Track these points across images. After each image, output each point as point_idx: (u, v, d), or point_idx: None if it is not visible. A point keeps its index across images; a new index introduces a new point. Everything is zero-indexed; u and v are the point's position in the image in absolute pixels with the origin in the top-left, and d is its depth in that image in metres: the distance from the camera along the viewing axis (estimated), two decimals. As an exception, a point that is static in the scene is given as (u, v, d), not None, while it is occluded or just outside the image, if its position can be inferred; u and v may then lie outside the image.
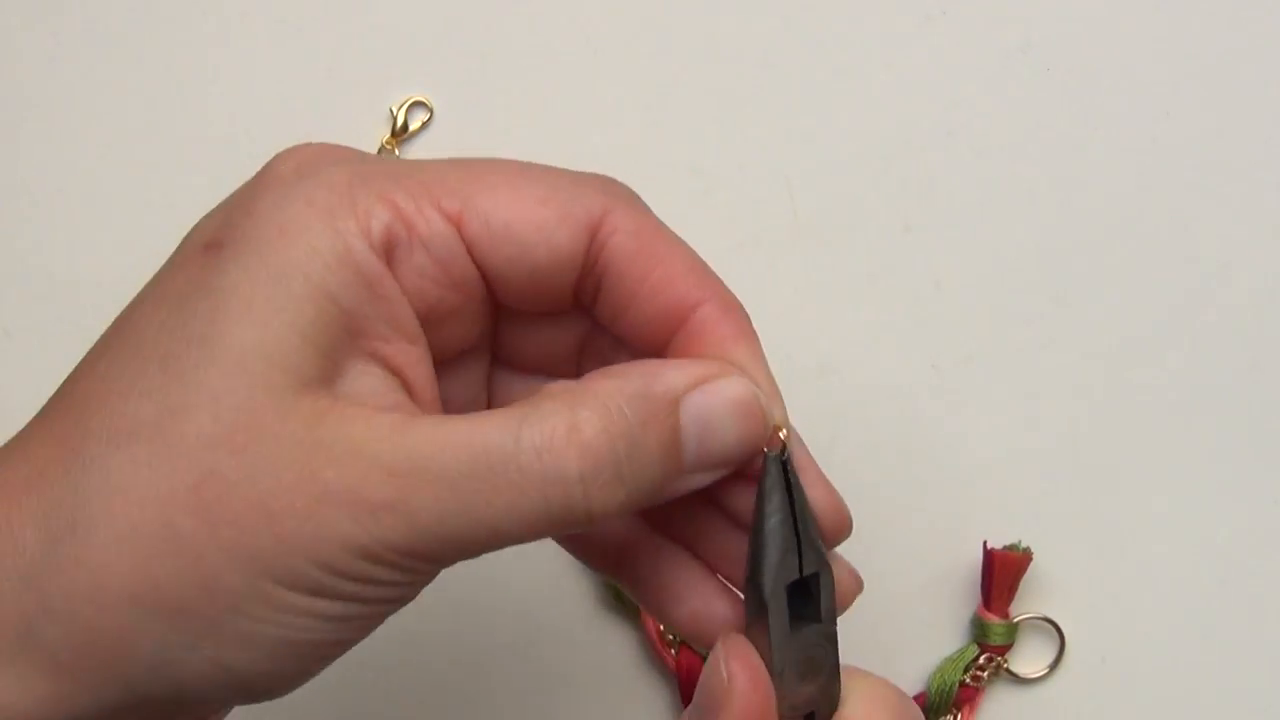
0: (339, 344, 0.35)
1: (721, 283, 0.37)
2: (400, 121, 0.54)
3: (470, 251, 0.36)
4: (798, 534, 0.36)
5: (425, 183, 0.36)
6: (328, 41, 0.55)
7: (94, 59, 0.55)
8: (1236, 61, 0.54)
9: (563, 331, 0.39)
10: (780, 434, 0.36)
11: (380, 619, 0.35)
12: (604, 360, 0.38)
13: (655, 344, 0.37)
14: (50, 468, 0.34)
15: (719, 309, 0.37)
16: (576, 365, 0.40)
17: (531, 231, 0.36)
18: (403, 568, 0.34)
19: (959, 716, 0.51)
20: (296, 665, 0.34)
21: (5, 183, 0.55)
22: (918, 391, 0.53)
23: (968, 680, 0.51)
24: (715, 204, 0.54)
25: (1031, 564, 0.52)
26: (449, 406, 0.38)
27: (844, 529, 0.38)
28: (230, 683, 0.34)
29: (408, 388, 0.36)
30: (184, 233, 0.56)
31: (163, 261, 0.55)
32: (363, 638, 0.35)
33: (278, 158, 0.37)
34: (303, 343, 0.34)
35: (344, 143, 0.54)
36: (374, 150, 0.54)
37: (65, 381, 0.37)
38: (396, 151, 0.54)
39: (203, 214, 0.56)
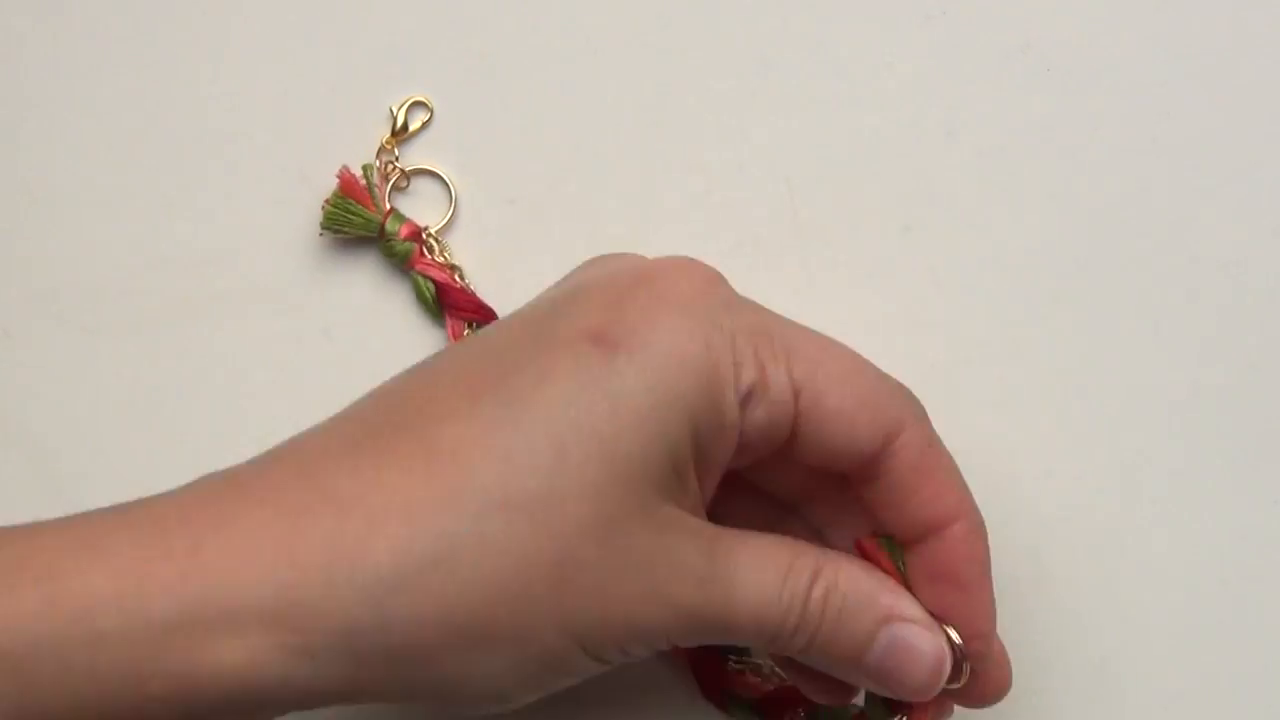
0: (686, 465, 0.40)
1: (975, 505, 0.44)
2: (400, 122, 0.54)
3: (797, 419, 0.42)
4: None
5: (787, 347, 0.42)
6: (328, 40, 0.55)
7: (94, 59, 0.55)
8: (1236, 61, 0.54)
9: (812, 482, 0.46)
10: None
11: None
12: (826, 500, 0.46)
13: (906, 538, 0.43)
14: (423, 507, 0.38)
15: (969, 531, 0.43)
16: (803, 503, 0.46)
17: (847, 424, 0.42)
18: (655, 647, 0.41)
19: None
20: (533, 696, 0.41)
21: (5, 183, 0.55)
22: (918, 391, 0.53)
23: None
24: (715, 204, 0.54)
25: (1032, 563, 0.52)
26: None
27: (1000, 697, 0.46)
28: (497, 707, 0.40)
29: (703, 504, 0.42)
30: (184, 233, 0.56)
31: (163, 262, 0.55)
32: None
33: (661, 270, 0.42)
34: (668, 457, 0.39)
35: (344, 143, 0.54)
36: (373, 151, 0.54)
37: (420, 399, 0.41)
38: (396, 152, 0.54)
39: (202, 214, 0.56)
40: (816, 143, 0.54)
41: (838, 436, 0.42)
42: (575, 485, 0.38)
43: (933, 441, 0.43)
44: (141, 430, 0.54)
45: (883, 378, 0.43)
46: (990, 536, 0.51)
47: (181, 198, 0.54)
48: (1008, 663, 0.45)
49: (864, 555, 0.44)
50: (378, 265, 0.54)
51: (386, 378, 0.43)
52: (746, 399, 0.41)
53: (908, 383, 0.52)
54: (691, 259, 0.44)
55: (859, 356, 0.43)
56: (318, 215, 0.54)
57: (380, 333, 0.54)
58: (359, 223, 0.53)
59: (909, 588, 0.43)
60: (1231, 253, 0.53)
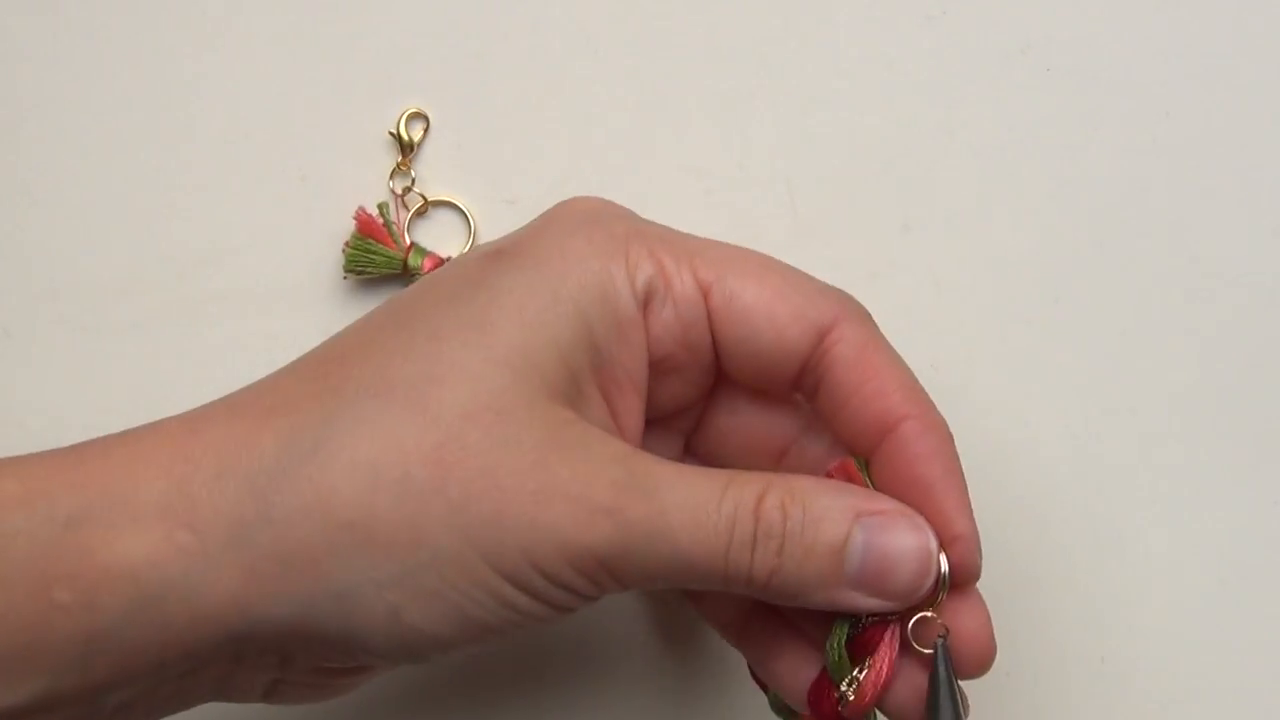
0: (584, 371, 0.38)
1: (930, 403, 0.41)
2: (406, 139, 0.54)
3: (710, 320, 0.40)
4: (955, 703, 0.41)
5: (689, 249, 0.40)
6: (327, 40, 0.55)
7: (94, 59, 0.55)
8: (1236, 61, 0.54)
9: (772, 427, 0.43)
10: (941, 630, 0.40)
11: (546, 624, 0.38)
12: (807, 469, 0.43)
13: (863, 448, 0.41)
14: (303, 400, 0.38)
15: (922, 427, 0.40)
16: (776, 465, 0.44)
17: (766, 320, 0.40)
18: (594, 578, 0.37)
19: (868, 665, 0.41)
20: (459, 638, 0.37)
21: (5, 183, 0.55)
22: (918, 391, 0.53)
23: (863, 626, 0.42)
24: (715, 204, 0.54)
25: (1032, 564, 0.52)
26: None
27: (985, 666, 0.42)
28: (397, 634, 0.37)
29: (620, 433, 0.40)
30: (184, 233, 0.56)
31: (163, 262, 0.55)
32: (518, 637, 0.38)
33: (565, 203, 0.42)
34: (558, 358, 0.38)
35: (344, 142, 0.54)
36: (387, 174, 0.54)
37: (325, 342, 0.41)
38: (412, 174, 0.54)
39: (203, 214, 0.56)
40: (816, 143, 0.54)
41: (762, 335, 0.40)
42: (451, 368, 0.37)
43: (873, 338, 0.41)
44: (141, 430, 0.54)
45: (809, 279, 0.42)
46: (990, 536, 0.51)
47: (181, 198, 0.54)
48: (985, 614, 0.42)
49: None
50: (378, 265, 0.54)
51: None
52: (647, 298, 0.39)
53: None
54: (604, 198, 0.43)
55: (779, 261, 0.42)
56: (317, 215, 0.54)
57: (380, 333, 0.54)
58: (381, 261, 0.53)
59: None
60: (1231, 252, 0.53)
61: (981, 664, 0.41)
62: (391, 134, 0.54)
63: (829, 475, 0.41)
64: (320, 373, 0.38)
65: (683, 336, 0.40)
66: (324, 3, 0.55)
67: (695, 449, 0.44)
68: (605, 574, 0.37)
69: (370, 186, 0.54)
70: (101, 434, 0.54)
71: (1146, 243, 0.53)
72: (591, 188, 0.54)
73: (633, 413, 0.40)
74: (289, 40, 0.55)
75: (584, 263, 0.39)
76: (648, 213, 0.55)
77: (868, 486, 0.41)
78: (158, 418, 0.54)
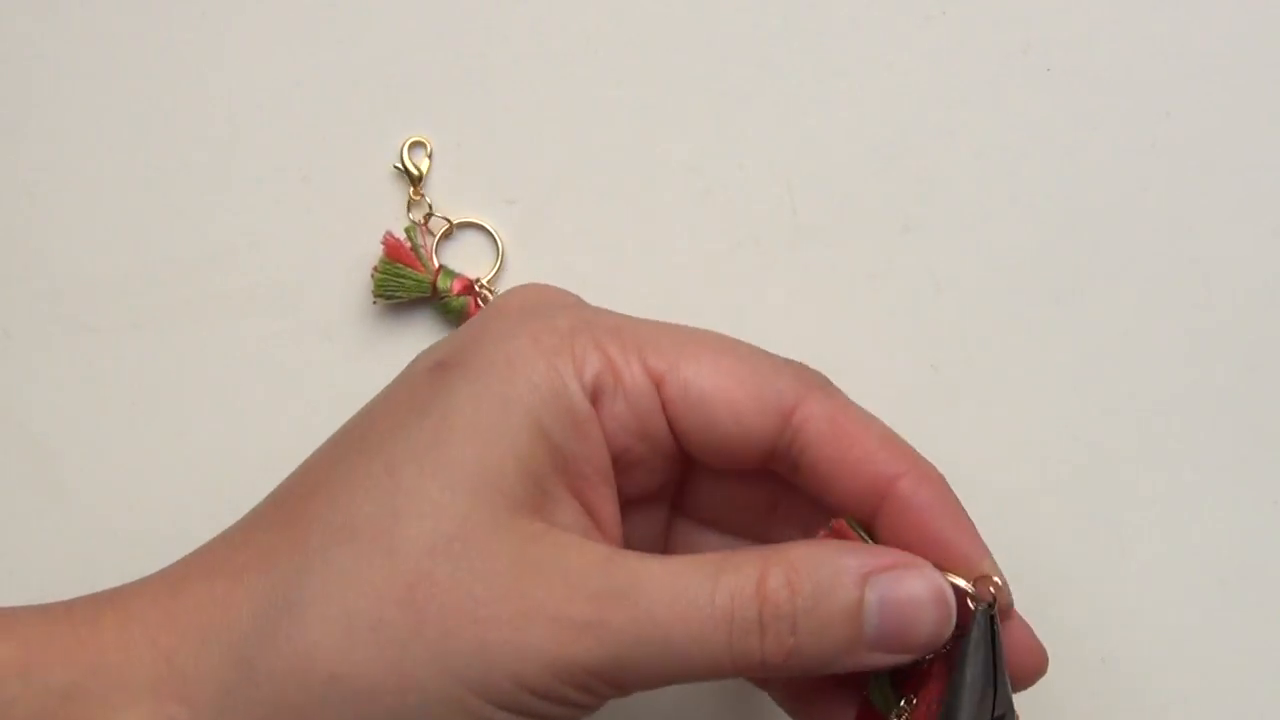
0: (547, 474, 0.37)
1: (916, 453, 0.40)
2: (414, 171, 0.53)
3: (665, 411, 0.39)
4: (995, 682, 0.38)
5: (638, 339, 0.39)
6: (327, 40, 0.55)
7: (94, 59, 0.55)
8: (1236, 61, 0.54)
9: (753, 491, 0.42)
10: (991, 589, 0.39)
11: None
12: (800, 523, 0.42)
13: (863, 514, 0.40)
14: (274, 554, 0.37)
15: (916, 480, 0.39)
16: (766, 526, 0.43)
17: (725, 408, 0.39)
18: (590, 689, 0.36)
19: (917, 700, 0.41)
20: None
21: (5, 183, 0.55)
22: (918, 391, 0.53)
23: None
24: (715, 204, 0.54)
25: (1032, 564, 0.51)
26: (630, 537, 0.41)
27: (1041, 673, 0.41)
28: None
29: (598, 526, 0.39)
30: (184, 233, 0.56)
31: (163, 262, 0.55)
32: None
33: (506, 295, 0.41)
34: (518, 468, 0.37)
35: (345, 142, 0.54)
36: (404, 203, 0.54)
37: (293, 475, 0.40)
38: (428, 201, 0.54)
39: (203, 214, 0.56)
40: (816, 143, 0.54)
41: (721, 423, 0.39)
42: (411, 501, 0.36)
43: (841, 406, 0.40)
44: (141, 430, 0.54)
45: (764, 356, 0.40)
46: (988, 536, 0.51)
47: (181, 198, 0.54)
48: (1027, 629, 0.42)
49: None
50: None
51: (386, 378, 0.43)
52: (596, 393, 0.38)
53: (908, 382, 0.52)
54: (546, 285, 0.42)
55: (732, 341, 0.41)
56: (317, 215, 0.54)
57: (380, 332, 0.54)
58: (410, 285, 0.53)
59: None
60: (1231, 253, 0.53)
61: (1038, 669, 0.41)
62: (398, 168, 0.54)
63: (824, 536, 0.40)
64: (287, 517, 0.38)
65: (639, 429, 0.39)
66: (325, 6, 0.55)
67: (684, 511, 0.43)
68: (602, 684, 0.37)
69: (368, 184, 0.54)
70: (102, 434, 0.54)
71: (1146, 243, 0.53)
72: (592, 188, 0.54)
73: (607, 502, 0.39)
74: (290, 41, 0.55)
75: (530, 365, 0.38)
76: (648, 212, 0.55)
77: (866, 542, 0.40)
78: (157, 418, 0.54)
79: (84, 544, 0.53)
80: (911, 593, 0.38)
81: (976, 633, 0.38)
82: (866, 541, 0.39)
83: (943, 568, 0.39)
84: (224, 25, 0.55)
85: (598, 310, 0.41)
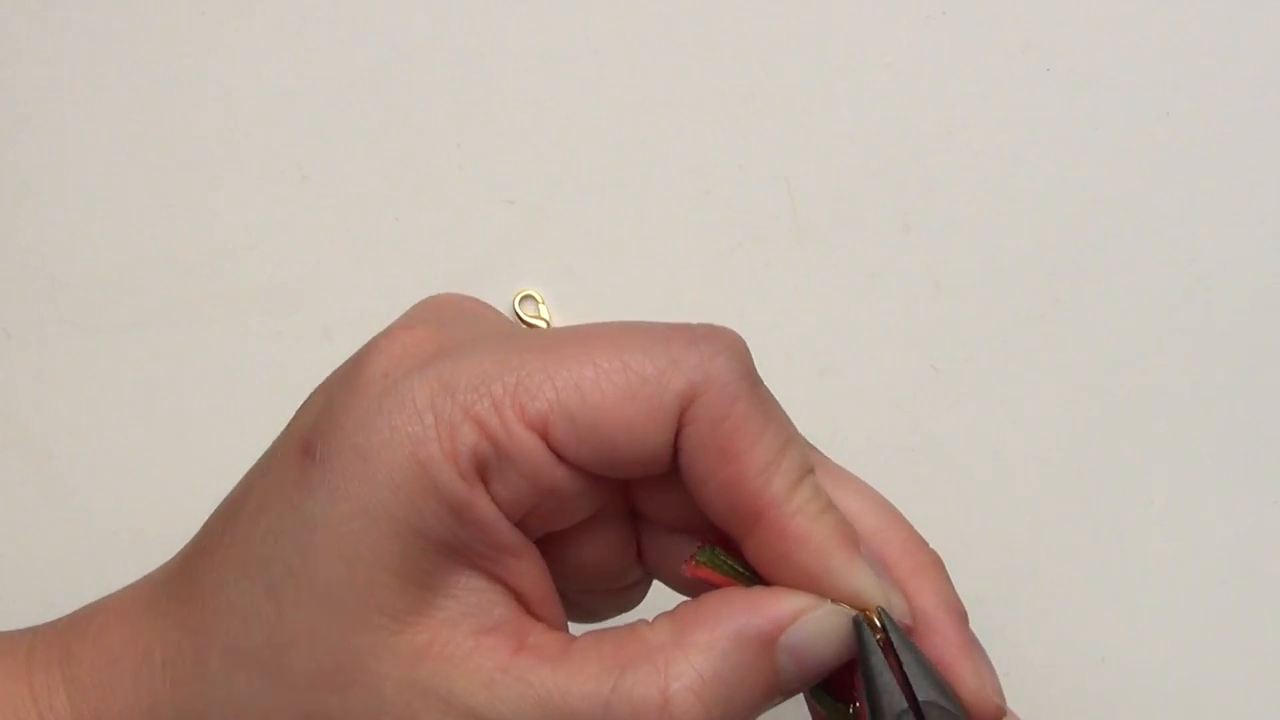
0: (434, 570, 0.35)
1: (800, 475, 0.36)
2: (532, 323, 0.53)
3: (561, 454, 0.36)
4: (911, 692, 0.36)
5: (512, 386, 0.35)
6: (327, 41, 0.55)
7: (94, 59, 0.55)
8: (1236, 61, 0.54)
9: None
10: (872, 613, 0.36)
11: None
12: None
13: (735, 533, 0.37)
14: (181, 666, 0.36)
15: (790, 513, 0.36)
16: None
17: (619, 430, 0.35)
18: None
19: (855, 700, 0.38)
20: None
21: (5, 183, 0.55)
22: (918, 391, 0.53)
23: None
24: (715, 204, 0.54)
25: (1032, 564, 0.52)
26: (599, 565, 0.39)
27: (986, 713, 0.37)
28: None
29: (517, 594, 0.36)
30: (184, 233, 0.56)
31: (163, 262, 0.55)
32: None
33: (370, 352, 0.37)
34: (394, 579, 0.35)
35: (345, 142, 0.54)
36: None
37: (188, 554, 0.38)
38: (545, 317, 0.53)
39: (203, 214, 0.56)
40: (816, 143, 0.54)
41: (622, 446, 0.36)
42: (292, 631, 0.35)
43: (731, 412, 0.36)
44: (141, 430, 0.54)
45: (661, 347, 0.36)
46: (989, 536, 0.51)
47: (181, 198, 0.54)
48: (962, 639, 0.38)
49: (703, 582, 0.37)
50: (378, 266, 0.54)
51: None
52: (480, 470, 0.35)
53: (908, 382, 0.52)
54: (432, 302, 0.39)
55: (621, 337, 0.36)
56: (317, 215, 0.54)
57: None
58: None
59: (763, 579, 0.37)
60: (1231, 253, 0.53)
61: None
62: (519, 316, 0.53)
63: (688, 574, 0.37)
64: (189, 620, 0.37)
65: (538, 487, 0.36)
66: (325, 6, 0.55)
67: (647, 518, 0.39)
68: None
69: (369, 186, 0.54)
70: (102, 434, 0.54)
71: (1146, 243, 0.53)
72: (591, 187, 0.54)
73: (525, 572, 0.36)
74: (290, 39, 0.55)
75: (391, 462, 0.35)
76: (648, 212, 0.55)
77: (740, 577, 0.37)
78: (157, 418, 0.54)
79: (84, 544, 0.53)
80: (818, 631, 0.36)
81: (867, 659, 0.36)
82: (740, 574, 0.37)
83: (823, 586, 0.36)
84: (224, 25, 0.55)
85: (460, 355, 0.36)
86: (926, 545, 0.38)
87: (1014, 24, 0.54)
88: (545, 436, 0.35)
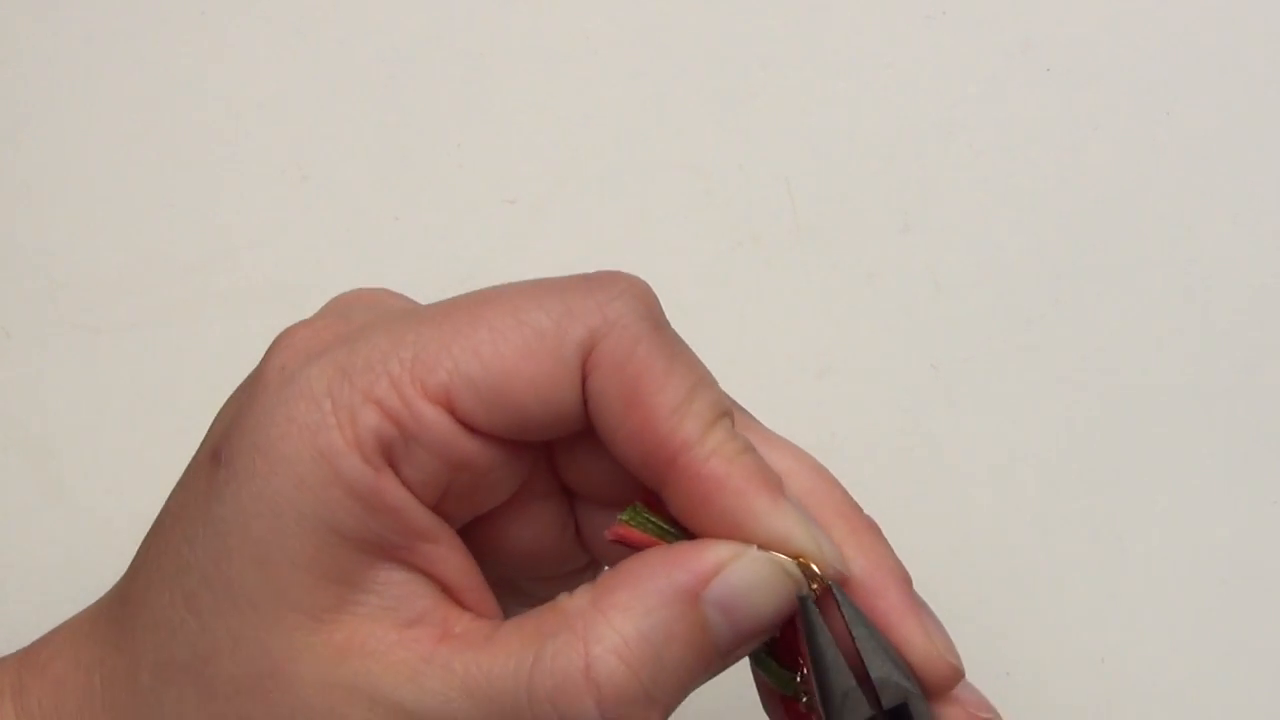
0: (349, 565, 0.34)
1: (714, 413, 0.34)
2: None
3: (472, 423, 0.34)
4: (864, 667, 0.34)
5: (407, 362, 0.34)
6: (326, 41, 0.55)
7: (94, 59, 0.55)
8: (1236, 61, 0.54)
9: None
10: (813, 572, 0.35)
11: None
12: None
13: (654, 486, 0.35)
14: (116, 681, 0.36)
15: (705, 454, 0.34)
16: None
17: (526, 393, 0.34)
18: None
19: (802, 664, 0.36)
20: None
21: (5, 183, 0.55)
22: (918, 391, 0.53)
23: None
24: (715, 204, 0.54)
25: (1032, 564, 0.52)
26: (538, 549, 0.38)
27: (940, 674, 0.35)
28: None
29: (440, 582, 0.35)
30: (184, 233, 0.56)
31: (163, 262, 0.55)
32: None
33: (271, 350, 0.36)
34: (307, 576, 0.34)
35: (345, 141, 0.54)
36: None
37: (124, 578, 0.38)
38: None
39: (203, 214, 0.56)
40: (816, 143, 0.54)
41: (529, 407, 0.34)
42: (213, 640, 0.34)
43: (635, 353, 0.34)
44: (141, 430, 0.54)
45: (556, 299, 0.35)
46: (989, 536, 0.51)
47: (181, 198, 0.54)
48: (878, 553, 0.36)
49: (626, 545, 0.35)
50: (378, 265, 0.54)
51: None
52: (385, 451, 0.34)
53: (908, 382, 0.52)
54: (340, 298, 0.38)
55: (515, 296, 0.35)
56: (317, 215, 0.54)
57: (380, 333, 0.54)
58: None
59: (691, 536, 0.35)
60: (1231, 253, 0.53)
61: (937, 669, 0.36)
62: None
63: (611, 538, 0.35)
64: (121, 638, 0.36)
65: (451, 462, 0.34)
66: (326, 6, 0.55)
67: (580, 496, 0.38)
68: None
69: (369, 186, 0.55)
70: (102, 434, 0.54)
71: (1146, 243, 0.53)
72: (591, 188, 0.54)
73: (445, 558, 0.35)
74: (290, 38, 0.55)
75: (292, 456, 0.33)
76: (648, 212, 0.55)
77: (666, 534, 0.35)
78: (157, 417, 0.54)
79: (84, 544, 0.53)
80: (746, 580, 0.34)
81: (808, 624, 0.35)
82: (666, 531, 0.35)
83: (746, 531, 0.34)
84: (224, 25, 0.55)
85: (357, 335, 0.35)
86: (862, 510, 0.37)
87: (1014, 24, 0.54)
88: (450, 409, 0.34)
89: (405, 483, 0.34)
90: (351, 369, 0.34)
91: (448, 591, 0.35)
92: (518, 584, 0.38)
